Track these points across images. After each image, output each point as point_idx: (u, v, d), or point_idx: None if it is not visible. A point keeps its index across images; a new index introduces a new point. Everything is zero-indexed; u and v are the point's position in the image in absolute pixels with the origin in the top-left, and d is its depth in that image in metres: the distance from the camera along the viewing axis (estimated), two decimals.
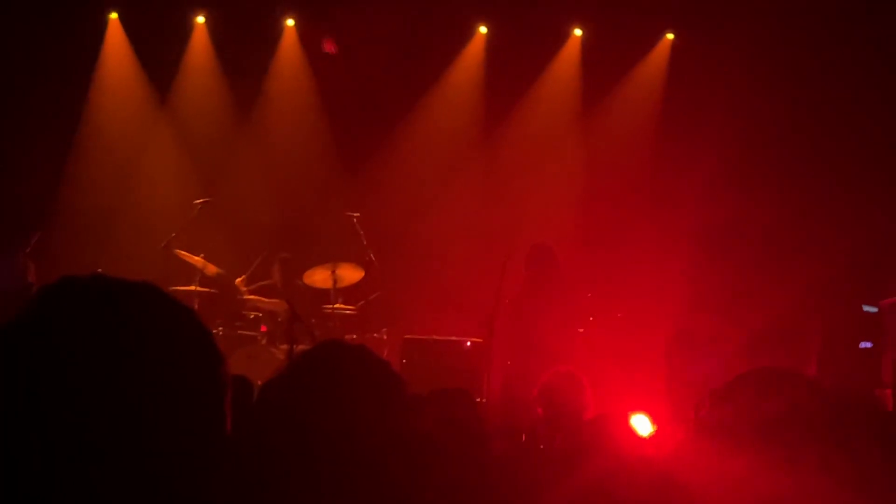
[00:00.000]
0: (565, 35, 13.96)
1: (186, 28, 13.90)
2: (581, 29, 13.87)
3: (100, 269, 11.43)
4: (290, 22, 13.97)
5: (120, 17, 13.77)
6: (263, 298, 12.05)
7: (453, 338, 11.95)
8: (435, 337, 11.98)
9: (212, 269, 11.98)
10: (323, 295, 12.11)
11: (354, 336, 11.98)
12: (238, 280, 12.07)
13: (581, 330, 11.39)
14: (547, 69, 14.05)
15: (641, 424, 7.41)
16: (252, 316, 12.03)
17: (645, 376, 11.80)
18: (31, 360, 1.51)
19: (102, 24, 13.75)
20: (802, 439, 3.25)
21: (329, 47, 13.36)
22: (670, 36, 13.82)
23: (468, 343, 11.80)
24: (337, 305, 11.99)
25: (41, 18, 13.21)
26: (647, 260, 13.02)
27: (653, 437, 6.51)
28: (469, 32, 13.99)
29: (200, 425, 1.56)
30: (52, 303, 1.57)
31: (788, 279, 12.70)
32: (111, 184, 13.70)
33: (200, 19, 13.89)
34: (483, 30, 13.97)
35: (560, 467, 4.20)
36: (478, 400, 10.02)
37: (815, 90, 12.86)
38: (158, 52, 13.81)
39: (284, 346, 11.29)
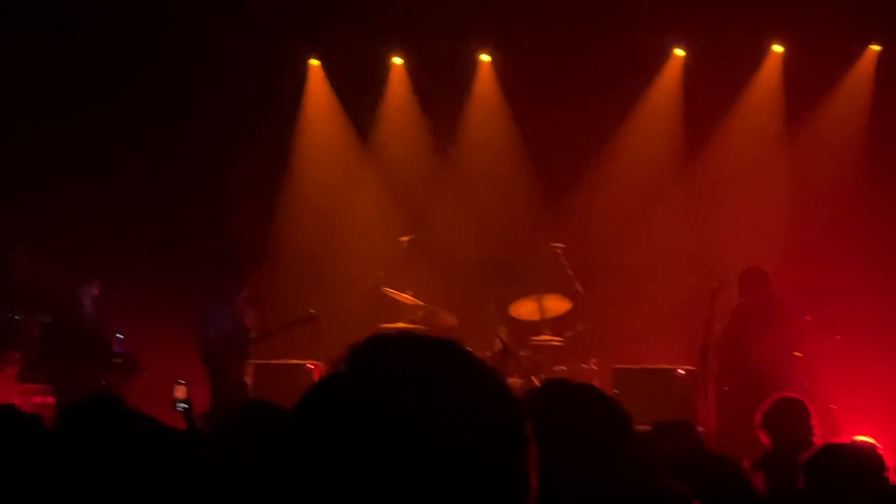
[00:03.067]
0: (764, 52, 13.65)
1: (384, 69, 14.18)
2: (781, 45, 13.54)
3: (312, 310, 11.76)
4: (486, 57, 14.09)
5: (321, 62, 14.16)
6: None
7: (665, 366, 11.77)
8: (646, 365, 11.83)
9: (420, 306, 12.14)
10: (530, 327, 12.10)
11: (563, 367, 11.91)
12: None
13: (798, 354, 11.06)
14: (747, 88, 13.75)
15: None
16: None
17: (865, 400, 11.39)
18: (348, 415, 1.54)
19: (304, 70, 14.17)
20: None
21: None
22: (876, 47, 13.35)
23: (681, 371, 11.59)
24: (544, 337, 11.96)
25: (245, 70, 13.70)
26: (864, 279, 12.56)
27: None
28: (665, 56, 13.84)
29: (507, 483, 1.56)
30: (364, 360, 1.60)
31: None
32: (319, 225, 14.04)
33: (398, 60, 14.16)
34: (679, 52, 13.79)
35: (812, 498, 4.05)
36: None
37: None
38: (358, 95, 14.13)
39: None
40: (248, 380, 11.60)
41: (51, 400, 11.12)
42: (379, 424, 1.51)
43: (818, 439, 6.87)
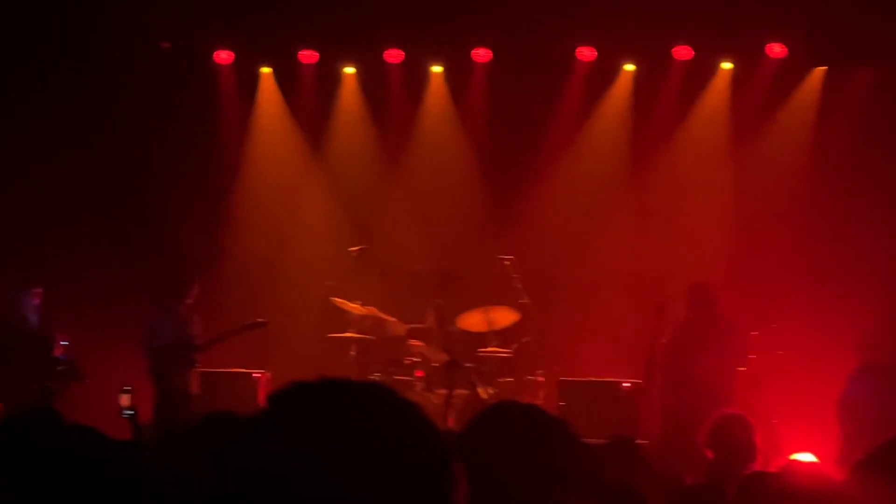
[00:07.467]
0: (714, 70, 13.77)
1: (336, 79, 14.15)
2: (731, 62, 13.67)
3: (260, 319, 11.70)
4: (437, 69, 14.11)
5: (273, 71, 14.12)
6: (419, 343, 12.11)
7: (610, 379, 11.86)
8: (591, 378, 11.92)
9: (368, 316, 12.14)
10: (478, 338, 12.13)
11: (511, 379, 11.97)
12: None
13: (742, 369, 11.17)
14: (695, 105, 13.87)
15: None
16: (408, 361, 12.10)
17: (806, 414, 11.51)
18: (264, 463, 1.55)
19: (256, 78, 14.12)
20: None
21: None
22: (822, 67, 13.52)
23: (626, 384, 11.69)
24: (492, 349, 12.00)
25: (198, 76, 13.66)
26: (805, 296, 12.71)
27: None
28: (615, 71, 13.92)
29: None
30: (282, 407, 1.61)
31: None
32: (268, 234, 13.98)
33: (350, 70, 14.14)
34: (629, 68, 13.88)
35: None
36: (638, 442, 9.88)
37: None
38: (310, 104, 14.11)
39: (441, 391, 11.33)
40: (195, 389, 11.50)
41: None
42: (300, 474, 1.52)
43: (760, 456, 6.94)
